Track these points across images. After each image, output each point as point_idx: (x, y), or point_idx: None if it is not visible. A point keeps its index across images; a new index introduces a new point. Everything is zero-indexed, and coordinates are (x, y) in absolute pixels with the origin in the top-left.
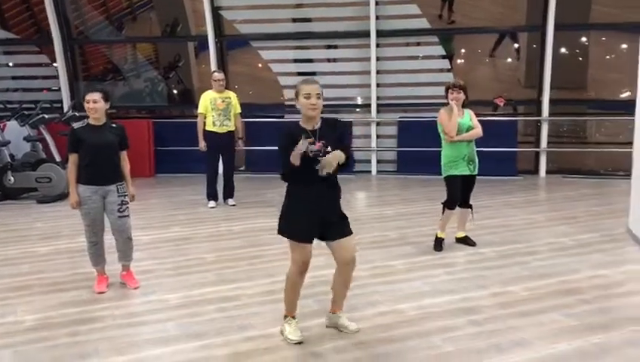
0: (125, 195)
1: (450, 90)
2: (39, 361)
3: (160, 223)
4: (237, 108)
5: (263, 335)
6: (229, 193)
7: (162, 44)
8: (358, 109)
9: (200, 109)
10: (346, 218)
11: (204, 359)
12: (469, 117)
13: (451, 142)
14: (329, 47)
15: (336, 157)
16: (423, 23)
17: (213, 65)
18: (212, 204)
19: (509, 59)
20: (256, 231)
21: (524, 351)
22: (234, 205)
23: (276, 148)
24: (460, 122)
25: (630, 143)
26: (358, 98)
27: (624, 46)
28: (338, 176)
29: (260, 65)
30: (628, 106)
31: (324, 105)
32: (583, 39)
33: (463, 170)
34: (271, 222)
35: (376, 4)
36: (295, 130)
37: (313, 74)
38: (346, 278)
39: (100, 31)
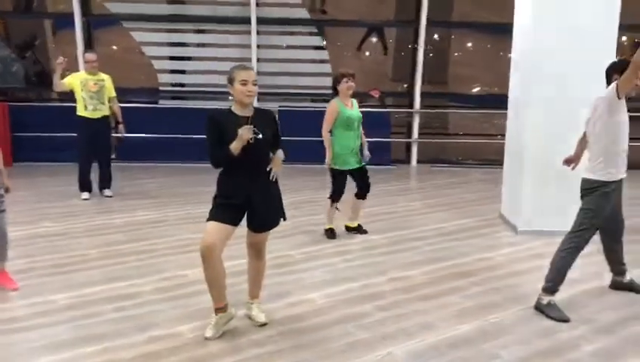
0: (1, 188)
1: (345, 79)
2: None
3: (28, 217)
4: (111, 92)
5: (170, 334)
6: (105, 183)
7: (14, 20)
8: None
9: (65, 80)
10: (277, 211)
11: None
12: (357, 108)
13: (343, 133)
14: (198, 31)
15: (279, 160)
16: (302, 13)
17: (80, 47)
18: (85, 195)
19: (368, 53)
20: (139, 224)
21: (431, 333)
22: (110, 196)
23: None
24: (352, 114)
25: (486, 135)
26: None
27: (469, 44)
28: None
29: (114, 47)
30: (482, 100)
31: (203, 92)
32: (435, 36)
33: (352, 165)
34: (152, 215)
35: None
36: (226, 116)
37: (188, 59)
38: (255, 266)
39: None
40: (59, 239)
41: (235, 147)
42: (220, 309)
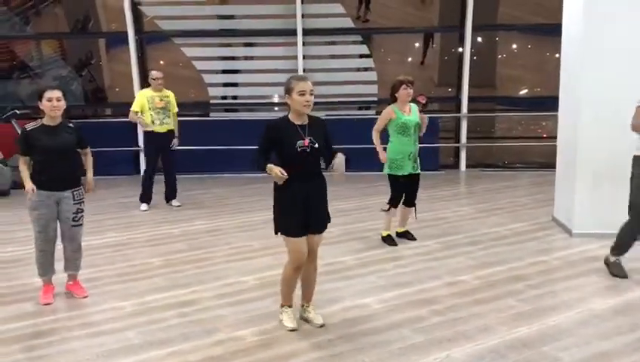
0: (82, 202)
1: (404, 86)
2: None
3: (93, 228)
4: (174, 108)
5: (232, 338)
6: (172, 194)
7: (71, 40)
8: (276, 108)
9: (134, 107)
10: (328, 216)
11: None
12: (416, 114)
13: (399, 139)
14: (246, 44)
15: (342, 160)
16: (347, 23)
17: (134, 64)
18: (144, 207)
19: (410, 59)
20: (196, 233)
21: (490, 336)
22: (179, 206)
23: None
24: (409, 119)
25: (534, 137)
26: (276, 96)
27: (515, 46)
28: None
29: (161, 62)
30: (531, 103)
31: (253, 104)
32: (479, 39)
33: (408, 170)
34: (209, 224)
35: (302, 2)
36: (284, 123)
37: (237, 72)
38: (307, 271)
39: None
40: (123, 248)
41: (271, 174)
42: (289, 306)
